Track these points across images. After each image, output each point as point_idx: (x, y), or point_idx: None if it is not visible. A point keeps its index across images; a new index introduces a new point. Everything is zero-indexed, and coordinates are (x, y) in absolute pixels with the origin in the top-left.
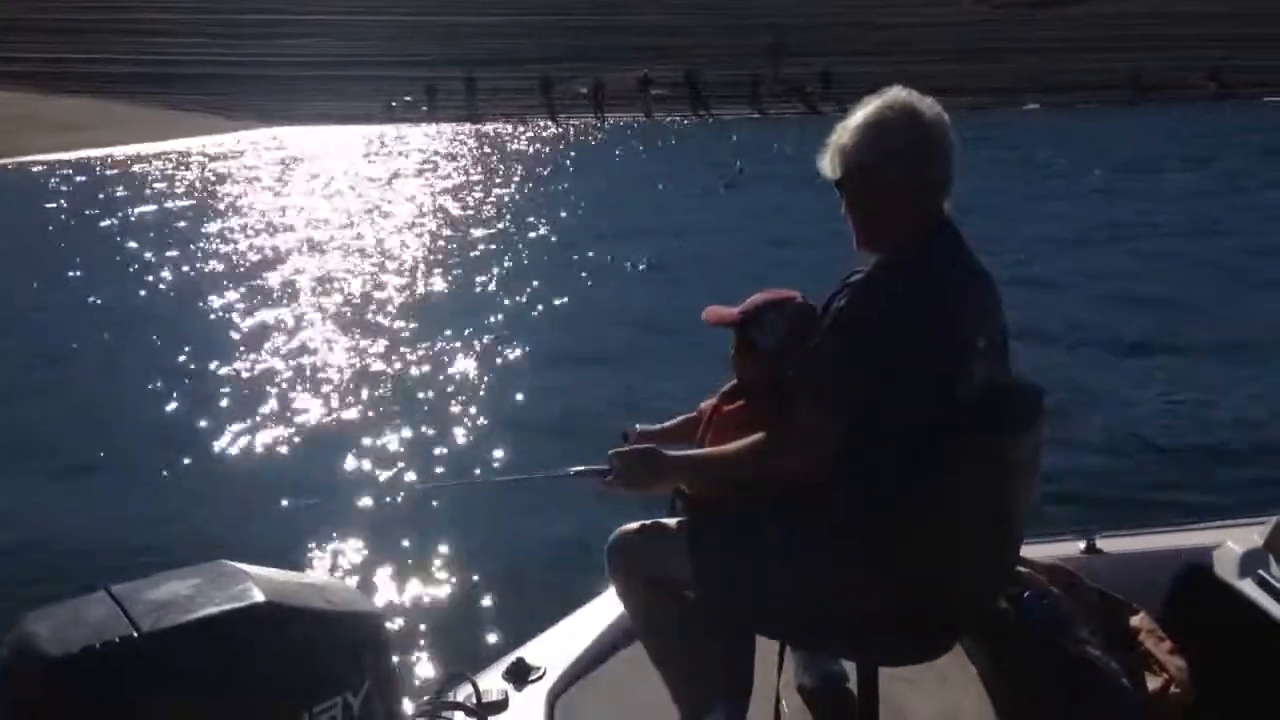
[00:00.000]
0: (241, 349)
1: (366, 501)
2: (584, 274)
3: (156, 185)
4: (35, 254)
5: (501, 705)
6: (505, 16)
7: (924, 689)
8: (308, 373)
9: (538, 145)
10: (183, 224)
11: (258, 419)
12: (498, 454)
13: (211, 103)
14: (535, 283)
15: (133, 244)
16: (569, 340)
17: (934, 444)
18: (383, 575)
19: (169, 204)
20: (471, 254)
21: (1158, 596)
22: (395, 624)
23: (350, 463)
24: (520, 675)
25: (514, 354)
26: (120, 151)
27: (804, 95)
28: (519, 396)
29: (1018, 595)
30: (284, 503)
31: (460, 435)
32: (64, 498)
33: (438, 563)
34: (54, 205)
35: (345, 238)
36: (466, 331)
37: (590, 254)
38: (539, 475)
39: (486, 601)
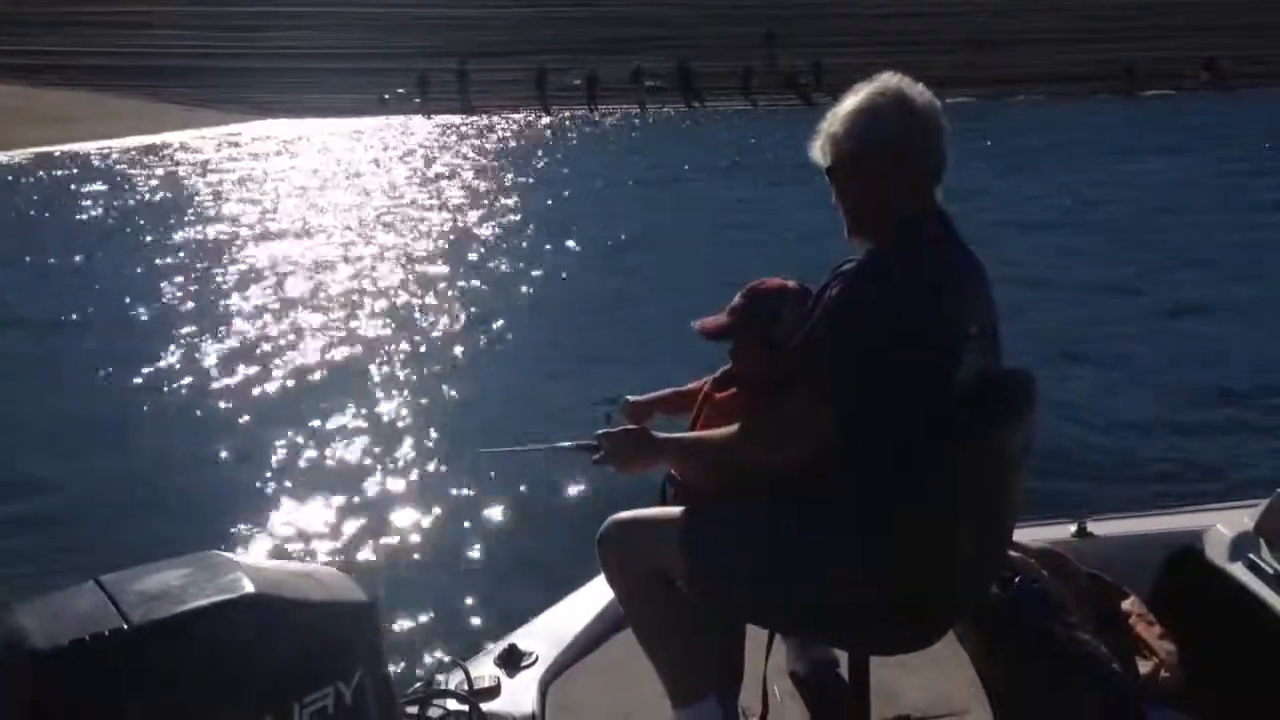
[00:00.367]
0: (232, 339)
1: (356, 488)
2: (575, 264)
3: (147, 178)
4: (25, 246)
5: (493, 692)
6: (498, 8)
7: (915, 673)
8: (296, 361)
9: (531, 137)
10: (174, 216)
11: (246, 409)
12: (485, 434)
13: (202, 95)
14: (526, 272)
15: (123, 236)
16: (557, 327)
17: (928, 433)
18: (373, 563)
19: (160, 197)
20: (462, 244)
21: (1148, 580)
22: (386, 612)
23: (340, 450)
24: (512, 661)
25: (503, 340)
26: (111, 144)
27: (797, 86)
28: (508, 382)
29: (1009, 579)
30: (274, 491)
31: (447, 417)
32: (53, 487)
33: (429, 549)
34: (44, 198)
35: (337, 229)
36: (459, 316)
37: (582, 245)
38: (527, 448)
39: (478, 588)
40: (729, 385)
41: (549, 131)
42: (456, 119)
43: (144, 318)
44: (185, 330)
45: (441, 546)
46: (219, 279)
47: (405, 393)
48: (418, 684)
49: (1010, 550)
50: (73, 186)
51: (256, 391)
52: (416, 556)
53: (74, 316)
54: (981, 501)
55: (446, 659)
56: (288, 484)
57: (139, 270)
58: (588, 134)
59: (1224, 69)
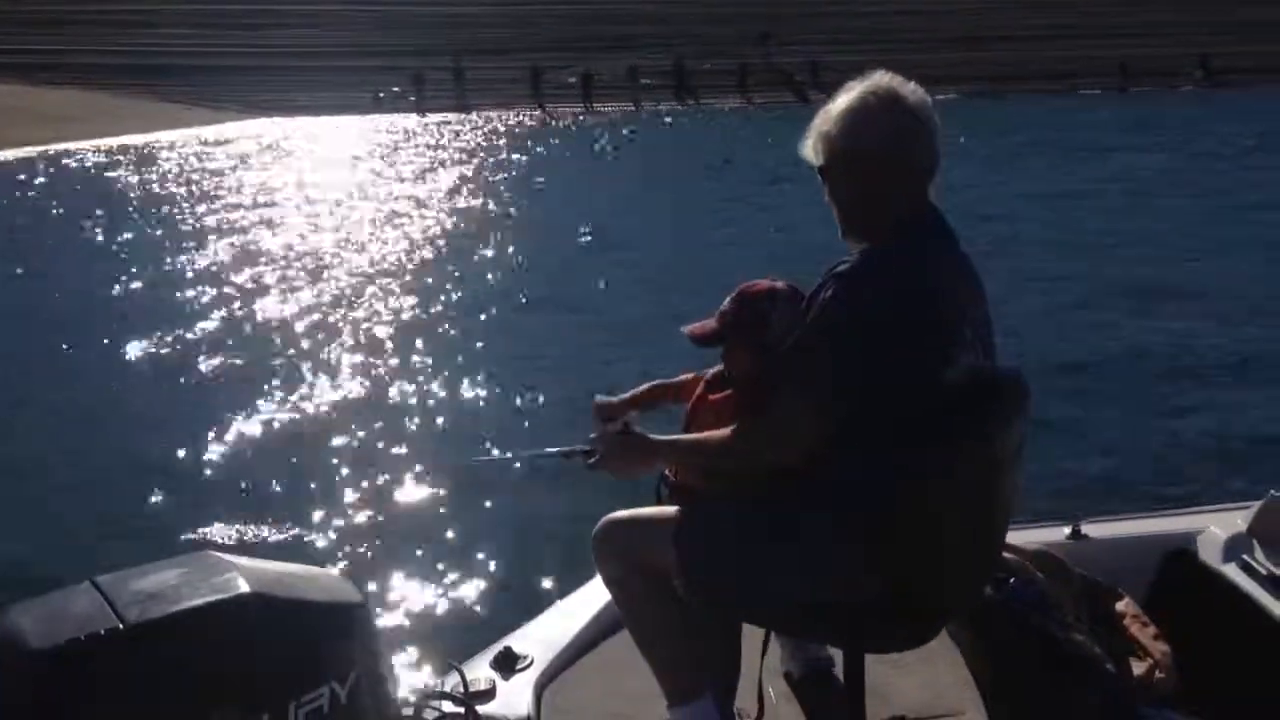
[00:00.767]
0: (229, 339)
1: (351, 490)
2: (570, 264)
3: (145, 177)
4: (22, 246)
5: (489, 694)
6: (494, 6)
7: (909, 673)
8: (292, 363)
9: (525, 135)
10: (171, 216)
11: (242, 409)
12: (480, 436)
13: (198, 94)
14: (519, 273)
15: (120, 235)
16: (549, 328)
17: (922, 434)
18: (369, 564)
19: (156, 196)
20: (455, 244)
21: (1142, 581)
22: (382, 613)
23: (334, 452)
24: (507, 664)
25: (496, 341)
26: (107, 143)
27: (792, 84)
28: (501, 383)
29: (1003, 580)
30: (269, 493)
31: (443, 420)
32: (49, 488)
33: (424, 551)
34: (41, 197)
35: (333, 228)
36: (452, 319)
37: (577, 245)
38: (521, 455)
39: (473, 590)
40: (723, 387)
41: (544, 130)
42: (451, 117)
43: (140, 318)
44: (181, 331)
45: (437, 549)
46: (213, 280)
47: (400, 393)
48: (413, 686)
49: (1005, 552)
50: (68, 185)
51: (252, 393)
52: (412, 559)
53: (69, 316)
54: (977, 500)
55: (442, 661)
56: (284, 485)
57: (134, 270)
58: (583, 132)
59: (1217, 66)
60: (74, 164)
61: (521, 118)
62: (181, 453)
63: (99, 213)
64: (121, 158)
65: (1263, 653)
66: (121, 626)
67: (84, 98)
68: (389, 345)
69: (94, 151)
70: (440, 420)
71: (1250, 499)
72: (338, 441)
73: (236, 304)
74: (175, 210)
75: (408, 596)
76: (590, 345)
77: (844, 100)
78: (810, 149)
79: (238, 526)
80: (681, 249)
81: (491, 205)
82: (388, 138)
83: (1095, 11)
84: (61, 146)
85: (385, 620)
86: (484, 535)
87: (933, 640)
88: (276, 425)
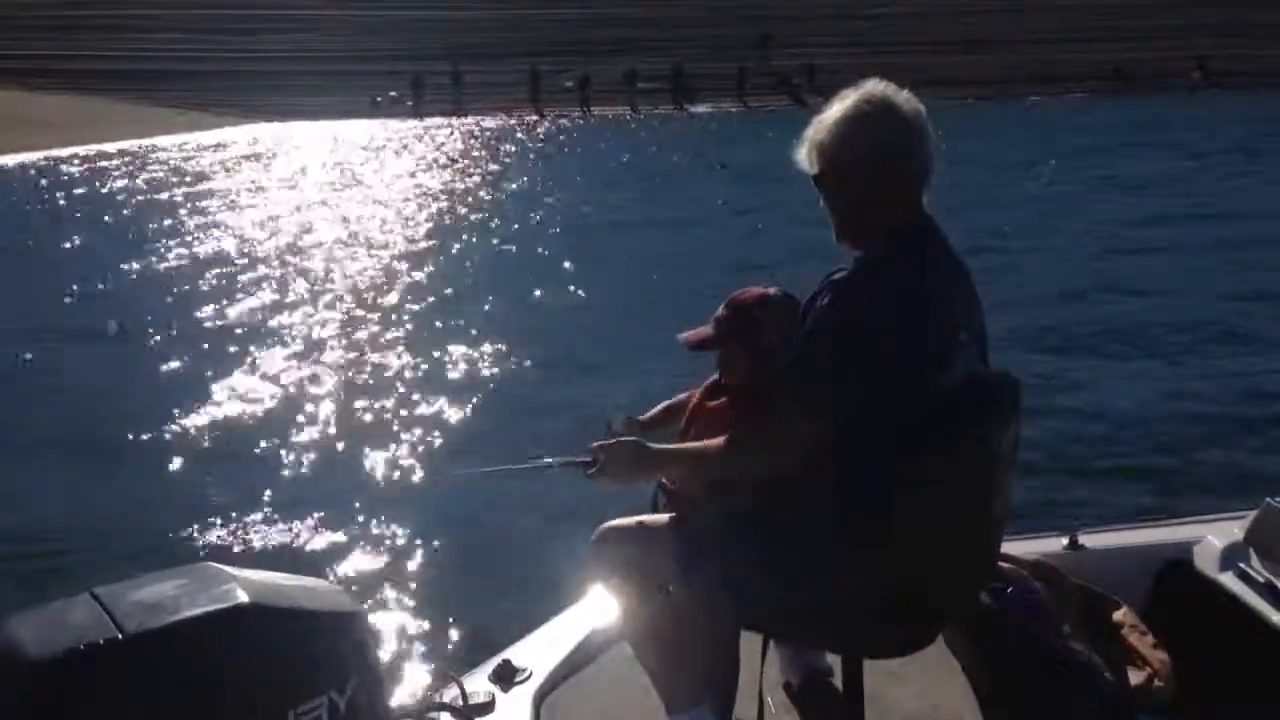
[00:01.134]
0: (224, 348)
1: (350, 500)
2: (567, 268)
3: (141, 182)
4: (18, 252)
5: (488, 707)
6: (491, 10)
7: (907, 682)
8: (289, 370)
9: (524, 139)
10: (169, 221)
11: (241, 419)
12: (479, 446)
13: (195, 99)
14: (515, 280)
15: (117, 241)
16: (545, 337)
17: (919, 439)
18: (368, 575)
19: (154, 201)
20: (454, 248)
21: (1140, 591)
22: (381, 627)
23: (333, 462)
24: (506, 677)
25: (495, 348)
26: (104, 148)
27: (790, 87)
28: (500, 390)
29: (1001, 590)
30: (267, 504)
31: (441, 429)
32: (47, 499)
33: (423, 562)
34: (38, 203)
35: (330, 233)
36: (449, 326)
37: (574, 248)
38: (521, 465)
39: (472, 602)
40: (719, 395)
41: (541, 134)
42: (449, 121)
43: (137, 326)
44: (179, 340)
45: (436, 560)
46: (210, 287)
47: (397, 404)
48: (411, 698)
49: (1003, 562)
50: (65, 191)
51: (251, 403)
52: (411, 570)
53: (66, 323)
54: (974, 502)
55: (441, 673)
56: (282, 496)
57: (131, 278)
58: (580, 136)
59: (1214, 68)
60: (70, 170)
61: (519, 121)
62: (179, 464)
63: (96, 218)
64: (118, 163)
65: (1261, 661)
66: (120, 637)
67: (80, 103)
68: (386, 354)
69: (91, 157)
70: (438, 430)
71: (1247, 508)
72: (336, 452)
73: (234, 312)
74: (172, 215)
75: (406, 608)
76: (588, 352)
77: (838, 109)
78: (804, 157)
79: (236, 537)
80: (679, 254)
81: (488, 210)
82: (385, 142)
83: (1092, 15)
84: (58, 152)
85: (384, 632)
86: (483, 547)
87: (931, 648)
88: (275, 436)
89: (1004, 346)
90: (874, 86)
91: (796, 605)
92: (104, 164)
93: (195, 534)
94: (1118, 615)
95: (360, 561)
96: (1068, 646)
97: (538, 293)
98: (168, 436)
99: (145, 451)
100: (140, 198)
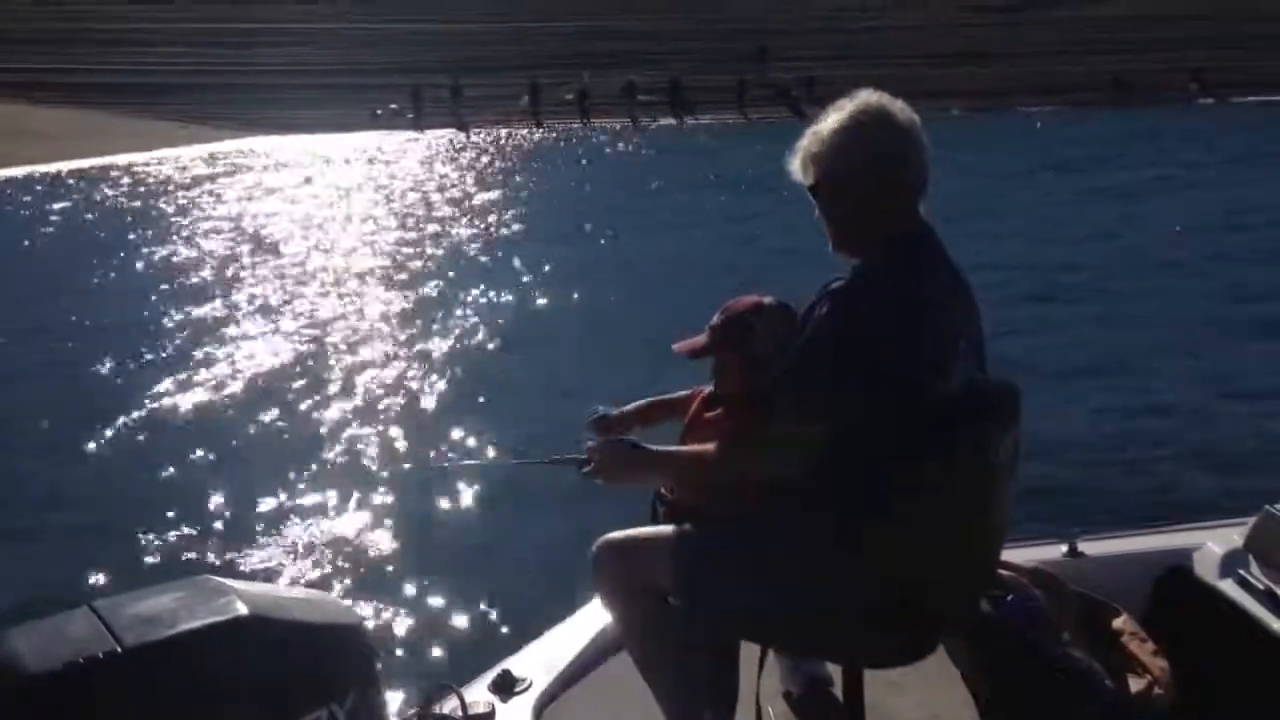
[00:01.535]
0: (223, 361)
1: (348, 512)
2: (565, 277)
3: (141, 195)
4: (18, 265)
5: (488, 717)
6: (491, 23)
7: (908, 691)
8: (287, 385)
9: (522, 152)
10: (169, 235)
11: (239, 431)
12: (475, 452)
13: (195, 112)
14: (512, 288)
15: (117, 254)
16: (543, 343)
17: (918, 447)
18: (366, 587)
19: (154, 214)
20: (450, 261)
21: (1139, 598)
22: (380, 637)
23: (331, 474)
24: (506, 687)
25: (489, 357)
26: (104, 162)
27: (789, 99)
28: (496, 398)
29: (1001, 598)
30: (266, 517)
31: (440, 438)
32: (46, 512)
33: (422, 574)
34: (38, 216)
35: (330, 243)
36: (446, 334)
37: (571, 258)
38: (516, 462)
39: (471, 613)
40: (715, 406)
41: (541, 145)
42: (449, 134)
43: (136, 339)
44: (176, 353)
45: (434, 571)
46: (209, 299)
47: (396, 413)
48: (411, 709)
49: (1002, 569)
50: (65, 204)
51: (248, 415)
52: (410, 581)
53: (66, 336)
54: (974, 509)
55: (440, 684)
56: (281, 509)
57: (130, 290)
58: (579, 148)
59: (1211, 80)
60: (70, 183)
61: (519, 134)
62: (178, 477)
63: (96, 231)
64: (118, 176)
65: (1261, 668)
66: (119, 650)
67: (80, 116)
68: (383, 363)
69: (91, 170)
70: (437, 439)
71: (1246, 514)
72: (335, 464)
73: (232, 324)
74: (172, 228)
75: (405, 619)
76: (584, 360)
77: (834, 119)
78: (799, 168)
79: (235, 550)
80: (677, 264)
81: (487, 220)
82: (386, 154)
83: (1089, 27)
84: (58, 166)
85: (383, 643)
86: (482, 558)
87: (931, 657)
88: (274, 449)
89: (1001, 353)
90: (869, 96)
91: (796, 615)
92: (103, 177)
93: (194, 547)
94: (1117, 622)
95: (359, 572)
96: (1068, 654)
97: (534, 302)
98: (166, 448)
99: (144, 463)
100: (140, 210)
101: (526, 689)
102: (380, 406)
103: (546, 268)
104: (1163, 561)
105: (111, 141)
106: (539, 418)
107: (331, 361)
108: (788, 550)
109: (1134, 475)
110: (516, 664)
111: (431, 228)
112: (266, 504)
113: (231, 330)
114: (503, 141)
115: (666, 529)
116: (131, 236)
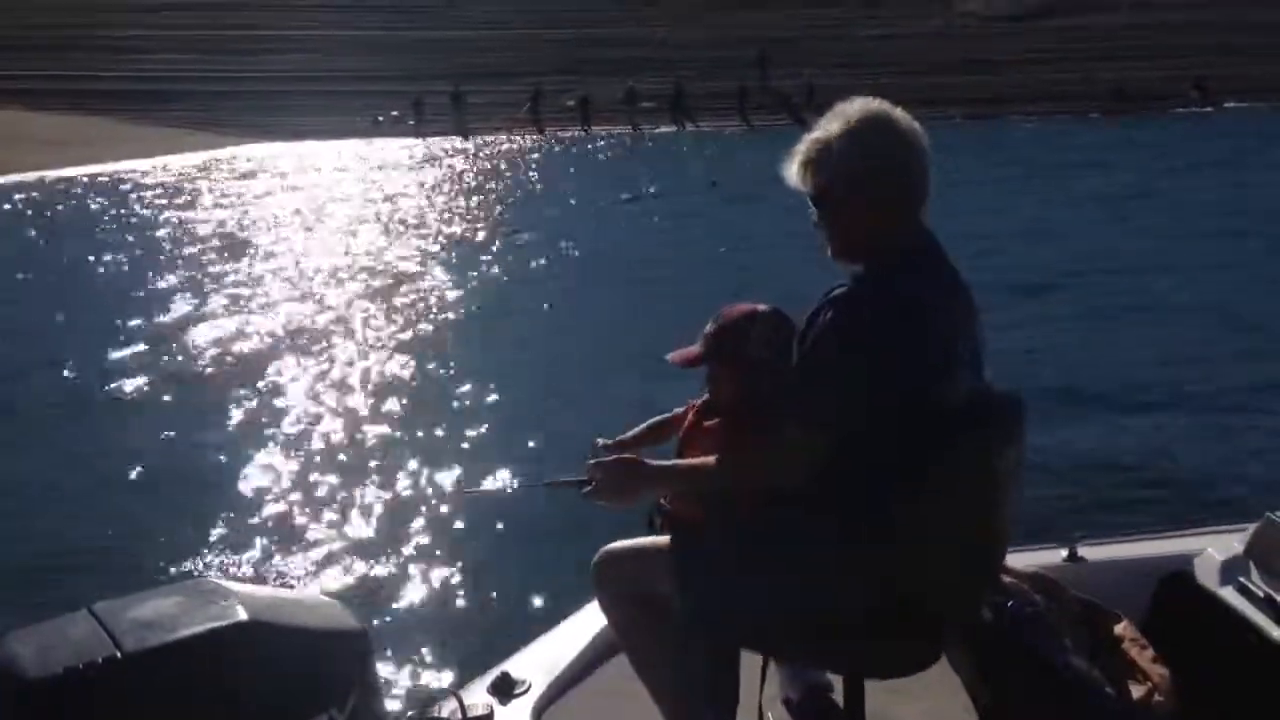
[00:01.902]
0: (228, 365)
1: (349, 517)
2: (565, 286)
3: (145, 201)
4: (19, 270)
5: None
6: (492, 31)
7: (908, 698)
8: (289, 391)
9: (524, 159)
10: (169, 240)
11: (239, 436)
12: (475, 464)
13: (198, 118)
14: (512, 299)
15: (121, 259)
16: (542, 351)
17: (922, 456)
18: (366, 590)
19: (154, 220)
20: (452, 265)
21: (1140, 604)
22: (379, 640)
23: (331, 480)
24: (505, 689)
25: (490, 369)
26: (109, 168)
27: (790, 107)
28: (497, 411)
29: (1001, 604)
30: (266, 520)
31: (438, 446)
32: (46, 515)
33: (421, 577)
34: (42, 222)
35: (332, 252)
36: (445, 344)
37: (571, 264)
38: (516, 486)
39: (470, 615)
40: (711, 416)
41: (541, 153)
42: (450, 141)
43: (141, 343)
44: (180, 357)
45: (433, 575)
46: (212, 305)
47: (394, 421)
48: (410, 712)
49: (1002, 575)
50: (69, 210)
51: (249, 420)
52: (409, 585)
53: (70, 341)
54: (973, 521)
55: (439, 687)
56: (281, 513)
57: (133, 294)
58: (581, 155)
59: (1213, 87)
60: (75, 189)
61: (520, 141)
62: (178, 480)
63: (97, 237)
64: (123, 182)
65: (1261, 675)
66: (119, 655)
67: (84, 122)
68: (384, 373)
69: (95, 176)
70: (436, 447)
71: (1247, 520)
72: (334, 469)
73: (235, 329)
74: (173, 234)
75: (405, 622)
76: (581, 369)
77: (834, 126)
78: (797, 175)
79: (236, 554)
80: (675, 270)
81: (485, 227)
82: (388, 160)
83: (1088, 34)
84: (62, 172)
85: (383, 646)
86: (480, 560)
87: (932, 665)
88: (274, 453)
89: (1000, 358)
90: (870, 104)
91: (798, 623)
92: (107, 183)
93: (194, 550)
94: (1118, 629)
95: (359, 576)
96: (1068, 661)
97: (535, 312)
98: (167, 451)
99: (145, 466)
100: (140, 216)
101: (525, 691)
102: (378, 414)
103: (544, 275)
104: (1163, 567)
105: (114, 148)
106: (537, 428)
107: (328, 368)
108: (790, 556)
109: (1134, 480)
110: (515, 666)
111: (430, 234)
112: (267, 509)
113: (231, 335)
114: (504, 148)
115: (666, 539)
116: (132, 242)
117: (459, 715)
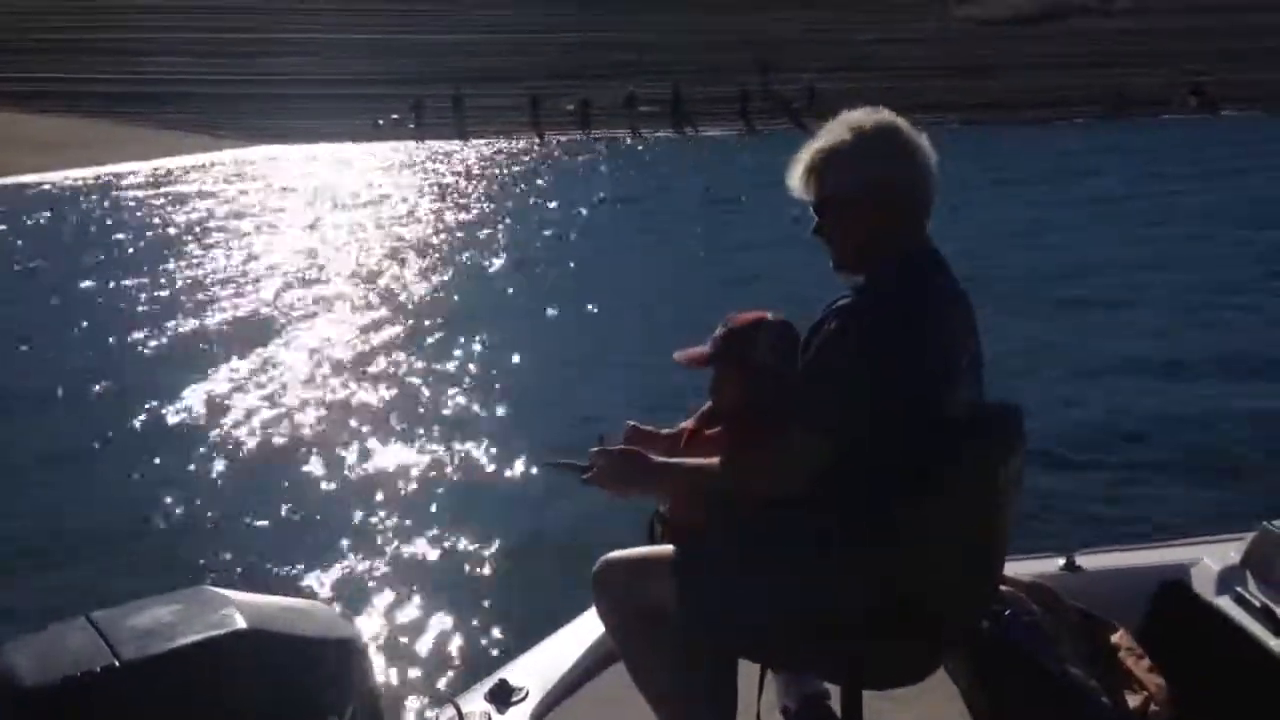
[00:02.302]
0: (227, 370)
1: (346, 523)
2: (565, 288)
3: (143, 204)
4: (19, 274)
5: None
6: (493, 34)
7: (906, 707)
8: (287, 394)
9: (523, 163)
10: (168, 243)
11: (237, 441)
12: (474, 462)
13: (197, 121)
14: (513, 301)
15: (119, 263)
16: (543, 351)
17: (923, 465)
18: (364, 598)
19: (153, 223)
20: (452, 266)
21: (1137, 613)
22: (377, 647)
23: (328, 485)
24: (503, 697)
25: (490, 369)
26: (106, 171)
27: (790, 111)
28: (496, 413)
29: (999, 613)
30: (264, 528)
31: (437, 447)
32: (43, 523)
33: (419, 584)
34: (39, 225)
35: (333, 253)
36: (446, 344)
37: (570, 268)
38: (521, 463)
39: (468, 623)
40: (715, 423)
41: (542, 157)
42: (450, 144)
43: (139, 347)
44: (179, 361)
45: (431, 582)
46: (209, 308)
47: (391, 424)
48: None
49: (1000, 584)
50: (66, 213)
51: (246, 428)
52: (407, 592)
53: (69, 345)
54: (972, 532)
55: (437, 694)
56: (278, 520)
57: (129, 298)
58: (580, 159)
59: (1210, 94)
60: (72, 192)
61: (520, 145)
62: (176, 487)
63: (96, 240)
64: (121, 185)
65: (1257, 685)
66: (117, 663)
67: (81, 125)
68: (381, 374)
69: (92, 179)
70: (435, 452)
71: (1244, 530)
72: (331, 473)
73: (234, 332)
74: (172, 237)
75: (403, 630)
76: (582, 373)
77: (838, 135)
78: (800, 183)
79: (233, 561)
80: (677, 278)
81: (485, 231)
82: (387, 164)
83: (1088, 40)
84: (59, 175)
85: (381, 654)
86: (478, 567)
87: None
88: (271, 459)
89: (997, 365)
90: (872, 112)
91: (796, 632)
92: (104, 186)
93: (192, 558)
94: (1115, 638)
95: (357, 584)
96: (1065, 670)
97: (535, 314)
98: (165, 457)
99: (143, 472)
100: (139, 219)
101: (523, 699)
102: (377, 415)
103: (544, 279)
104: (1160, 577)
105: (112, 150)
106: (538, 429)
107: (327, 371)
108: (790, 568)
109: (1131, 489)
110: (513, 673)
111: (429, 238)
112: (264, 517)
113: (229, 338)
114: (503, 152)
115: (667, 548)
116: (131, 245)
117: None
